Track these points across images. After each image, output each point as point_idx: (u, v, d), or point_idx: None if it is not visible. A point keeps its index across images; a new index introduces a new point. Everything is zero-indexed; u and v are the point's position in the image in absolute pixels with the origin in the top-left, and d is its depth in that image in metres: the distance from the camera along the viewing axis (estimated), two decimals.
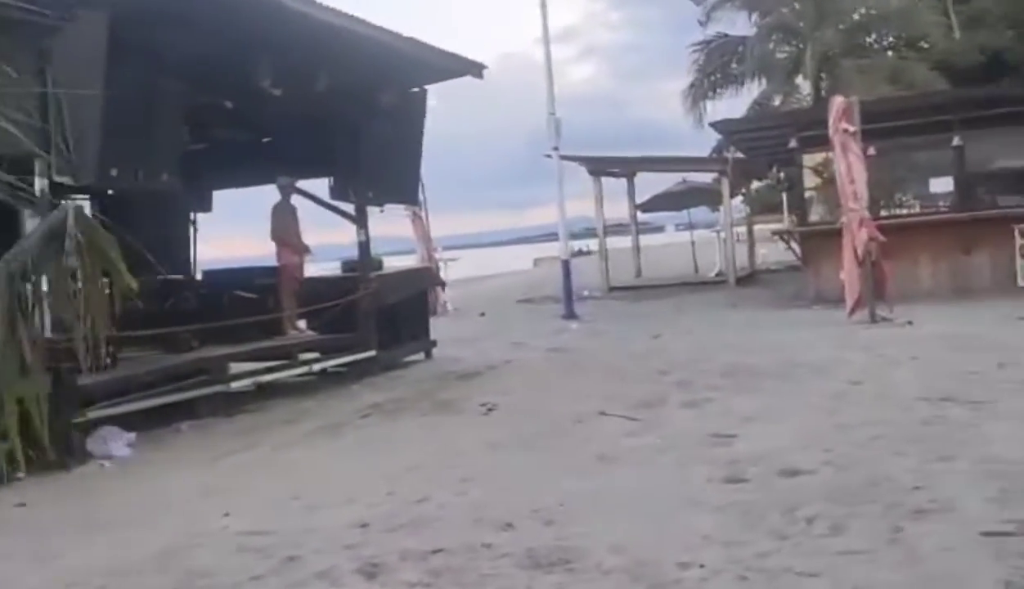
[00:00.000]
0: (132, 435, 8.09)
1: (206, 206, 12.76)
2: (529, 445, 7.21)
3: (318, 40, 9.12)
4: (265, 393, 10.21)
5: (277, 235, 11.08)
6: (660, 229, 66.12)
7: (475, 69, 11.51)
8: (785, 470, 5.83)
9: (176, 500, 6.33)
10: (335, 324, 11.55)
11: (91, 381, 7.82)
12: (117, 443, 7.85)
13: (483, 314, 20.09)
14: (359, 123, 10.64)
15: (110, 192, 12.37)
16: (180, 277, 11.90)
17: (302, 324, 11.69)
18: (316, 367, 10.75)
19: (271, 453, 7.74)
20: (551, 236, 23.98)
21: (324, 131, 10.74)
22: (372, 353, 11.49)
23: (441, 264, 21.56)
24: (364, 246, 11.62)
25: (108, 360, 8.70)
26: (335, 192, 11.00)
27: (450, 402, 9.48)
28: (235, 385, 9.30)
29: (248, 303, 10.85)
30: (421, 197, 20.04)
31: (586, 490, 5.74)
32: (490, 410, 8.84)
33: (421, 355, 13.13)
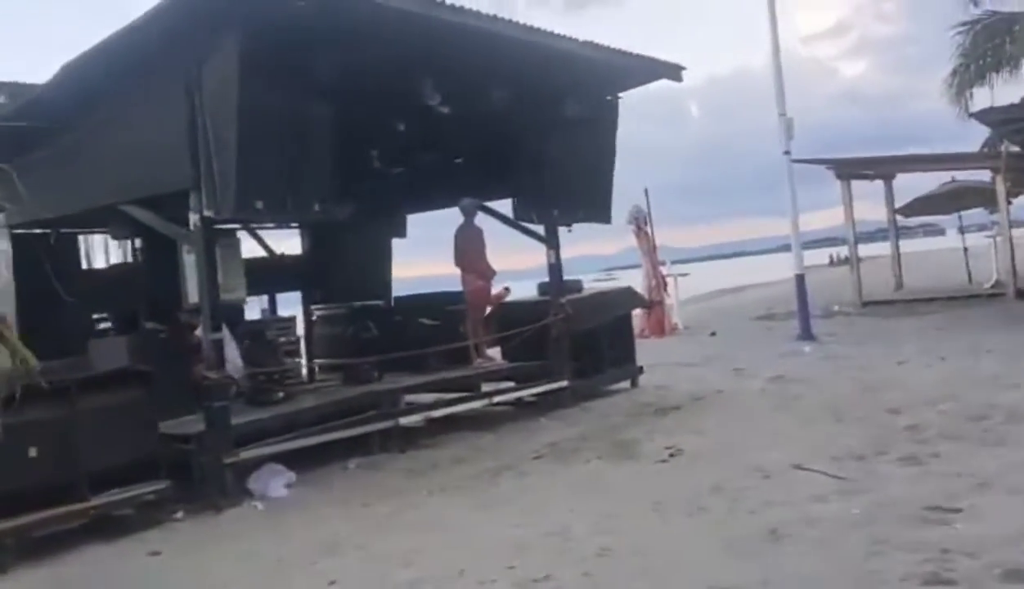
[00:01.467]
0: (292, 475, 7.83)
1: (400, 232, 12.58)
2: (696, 507, 6.11)
3: (489, 54, 8.49)
4: (447, 425, 9.71)
5: (461, 260, 10.60)
6: (941, 232, 60.50)
7: (672, 72, 10.45)
8: (1012, 571, 4.40)
9: (297, 559, 5.89)
10: (527, 352, 10.90)
11: (248, 419, 7.65)
12: (275, 483, 7.60)
13: (714, 334, 18.72)
14: (541, 138, 9.93)
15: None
16: (378, 303, 11.74)
17: (494, 352, 11.14)
18: (499, 398, 10.12)
19: (422, 501, 7.16)
20: (814, 243, 21.99)
21: (505, 148, 10.13)
22: (564, 383, 10.70)
23: (669, 280, 20.38)
24: (555, 268, 10.87)
25: (280, 395, 8.58)
26: (518, 212, 10.35)
27: (631, 444, 8.50)
28: (407, 421, 8.83)
29: (432, 331, 10.44)
30: (644, 210, 19.39)
31: (738, 581, 4.62)
32: (672, 456, 7.79)
33: (627, 383, 12.19)
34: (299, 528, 6.68)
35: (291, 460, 8.11)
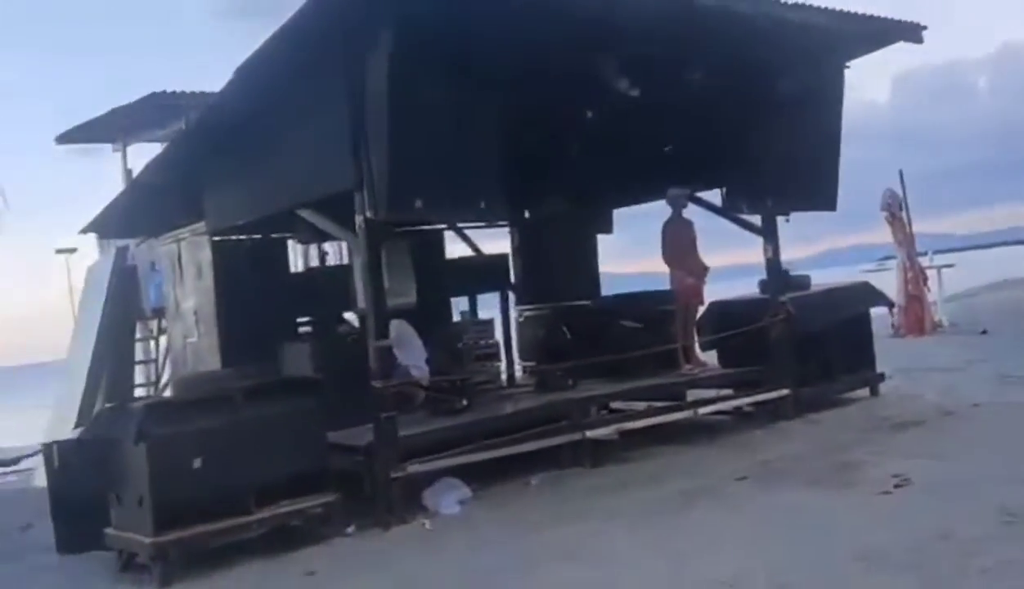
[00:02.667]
0: (467, 491, 7.40)
1: (606, 227, 11.84)
2: (913, 561, 4.96)
3: (681, 26, 7.59)
4: (649, 437, 8.89)
5: (669, 255, 9.70)
6: None
7: (911, 32, 8.99)
8: None
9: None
10: (746, 356, 9.85)
11: (420, 430, 7.29)
12: (448, 499, 7.20)
13: (984, 332, 16.39)
14: (751, 119, 8.84)
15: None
16: (585, 303, 11.10)
17: (708, 356, 10.18)
18: (706, 409, 9.15)
19: (599, 527, 6.44)
20: None
21: (710, 134, 9.13)
22: (785, 392, 9.54)
23: (931, 273, 18.14)
24: (774, 263, 9.71)
25: (464, 403, 8.19)
26: (727, 203, 9.31)
27: (853, 467, 7.30)
28: (598, 433, 8.12)
29: (634, 333, 9.66)
30: (899, 195, 17.31)
31: None
32: (898, 486, 6.54)
33: (865, 391, 10.75)
34: (462, 552, 6.20)
35: (472, 474, 7.69)
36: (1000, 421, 8.66)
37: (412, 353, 8.66)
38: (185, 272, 9.12)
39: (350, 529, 6.86)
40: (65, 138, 13.83)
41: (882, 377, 10.75)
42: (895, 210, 17.39)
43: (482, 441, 7.56)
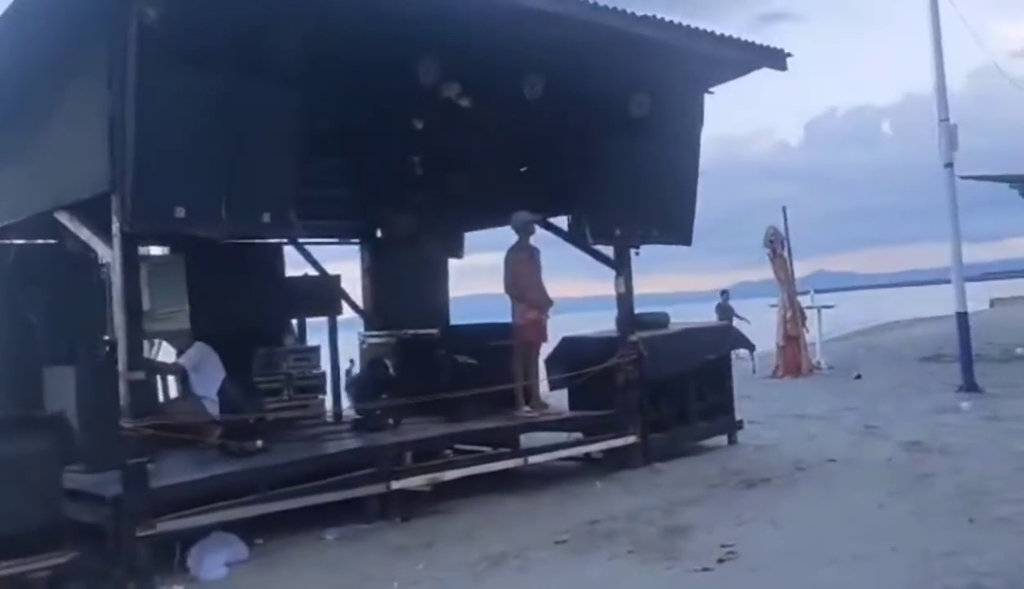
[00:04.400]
0: (243, 549, 6.35)
1: (457, 251, 10.97)
2: None
3: (522, 31, 6.77)
4: (477, 485, 7.97)
5: (511, 285, 8.83)
6: None
7: (775, 59, 8.38)
8: None
9: None
10: (596, 398, 9.06)
11: (186, 479, 6.22)
12: (213, 560, 6.12)
13: (859, 376, 16.08)
14: (596, 140, 8.08)
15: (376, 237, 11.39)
16: (430, 332, 10.14)
17: (553, 398, 9.35)
18: (537, 458, 8.28)
19: None
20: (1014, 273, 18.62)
21: (553, 155, 8.35)
22: (631, 439, 8.77)
23: (811, 312, 17.84)
24: (624, 299, 8.94)
25: (258, 444, 7.15)
26: (572, 232, 8.54)
27: (682, 533, 6.53)
28: (409, 483, 7.17)
29: (469, 370, 8.76)
30: (782, 233, 16.95)
31: None
32: (721, 560, 5.77)
33: (724, 438, 10.08)
34: None
35: (260, 527, 6.66)
36: (851, 479, 8.04)
37: (207, 382, 7.61)
38: None
39: None
40: None
41: (740, 425, 10.12)
42: (777, 247, 17.06)
43: (267, 491, 6.51)
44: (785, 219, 17.16)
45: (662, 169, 8.38)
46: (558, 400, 9.96)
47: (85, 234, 6.10)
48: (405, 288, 10.92)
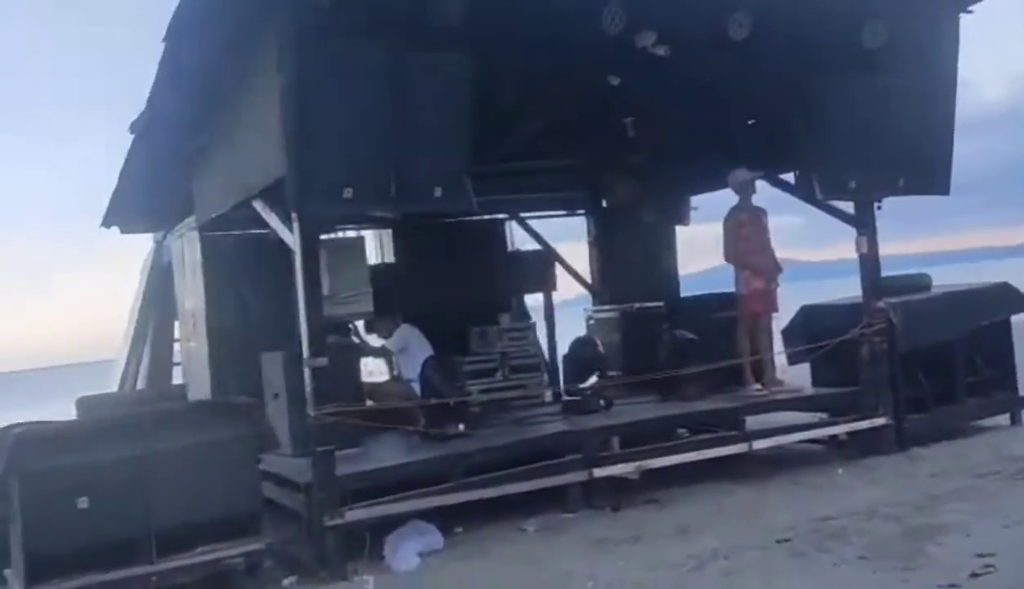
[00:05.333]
0: (438, 539, 6.12)
1: (682, 218, 10.14)
2: None
3: None
4: (701, 471, 7.29)
5: (733, 252, 7.96)
6: None
7: None
8: None
9: None
10: (843, 374, 8.03)
11: (373, 467, 6.07)
12: (407, 549, 5.94)
13: None
14: (821, 82, 7.00)
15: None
16: (656, 305, 9.50)
17: (787, 374, 8.41)
18: (762, 444, 7.38)
19: None
20: None
21: (777, 99, 7.36)
22: (881, 421, 7.66)
23: None
24: (870, 260, 7.78)
25: (459, 428, 6.94)
26: (800, 186, 7.50)
27: (931, 535, 5.53)
28: (614, 471, 6.63)
29: (689, 346, 8.03)
30: None
31: None
32: (975, 575, 4.75)
33: (1005, 417, 8.63)
34: None
35: (458, 515, 6.43)
36: None
37: (416, 364, 7.49)
38: (185, 270, 8.31)
39: (288, 581, 5.79)
40: None
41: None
42: None
43: (462, 478, 6.25)
44: None
45: (908, 107, 7.17)
46: (799, 376, 8.95)
47: (274, 221, 6.09)
48: (631, 259, 10.38)
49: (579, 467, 6.48)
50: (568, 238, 11.74)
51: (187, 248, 8.25)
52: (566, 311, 11.13)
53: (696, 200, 10.10)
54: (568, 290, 11.41)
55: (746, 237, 7.93)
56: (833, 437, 8.12)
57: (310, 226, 5.66)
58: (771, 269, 7.99)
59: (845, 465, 7.55)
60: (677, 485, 7.12)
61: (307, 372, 5.73)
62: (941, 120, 7.36)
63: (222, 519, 5.59)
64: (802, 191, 7.43)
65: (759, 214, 8.06)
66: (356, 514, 5.74)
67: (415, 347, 7.65)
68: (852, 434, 7.87)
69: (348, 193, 5.31)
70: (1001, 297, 8.62)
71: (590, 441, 6.65)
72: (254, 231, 7.81)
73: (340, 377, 6.67)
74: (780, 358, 8.73)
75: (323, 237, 6.22)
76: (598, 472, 6.48)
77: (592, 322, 10.33)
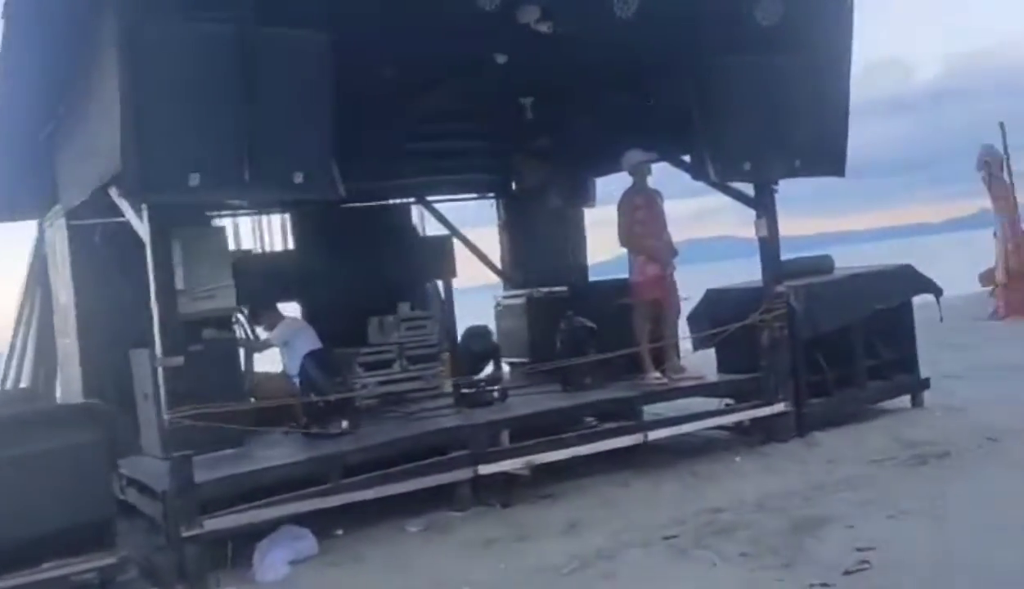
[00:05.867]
0: (311, 544, 5.79)
1: (588, 201, 9.91)
2: None
3: None
4: (597, 462, 7.06)
5: (627, 236, 7.72)
6: None
7: None
8: None
9: None
10: (746, 359, 7.87)
11: (231, 473, 5.70)
12: (276, 557, 5.60)
13: None
14: (713, 61, 6.78)
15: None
16: (560, 290, 9.25)
17: (688, 360, 8.23)
18: (658, 434, 7.17)
19: None
20: None
21: (663, 82, 7.13)
22: (780, 407, 7.53)
23: None
24: (769, 243, 7.63)
25: (343, 425, 6.61)
26: (694, 169, 7.28)
27: (815, 528, 5.37)
28: (500, 468, 6.35)
29: (586, 333, 7.81)
30: (1000, 151, 14.49)
31: None
32: (848, 572, 4.59)
33: (906, 399, 8.56)
34: None
35: (344, 517, 6.11)
36: None
37: (296, 359, 7.14)
38: (57, 261, 7.82)
39: None
40: None
41: (926, 384, 8.53)
42: (994, 170, 14.69)
43: (339, 480, 5.93)
44: (1004, 136, 14.72)
45: (803, 87, 6.97)
46: (707, 363, 8.77)
47: (127, 210, 5.67)
48: (539, 244, 10.15)
49: (464, 464, 6.20)
50: (488, 223, 11.50)
51: (57, 237, 7.75)
52: (483, 298, 10.87)
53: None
54: (485, 277, 11.16)
55: (641, 221, 7.71)
56: (739, 424, 7.97)
57: (159, 216, 5.27)
58: (666, 254, 7.76)
59: (745, 453, 7.38)
60: (574, 478, 6.89)
61: (160, 372, 5.34)
62: (836, 101, 7.19)
63: (71, 532, 5.21)
64: (697, 173, 7.20)
65: (655, 197, 7.83)
66: (219, 522, 5.38)
67: (299, 341, 7.28)
68: (753, 421, 7.71)
69: (195, 180, 4.92)
70: (903, 279, 8.53)
71: (477, 436, 6.36)
72: (121, 219, 7.38)
73: (217, 374, 6.34)
74: (686, 344, 8.58)
75: (182, 227, 5.81)
76: (484, 469, 6.19)
77: (500, 308, 10.09)
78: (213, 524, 5.36)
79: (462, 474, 6.20)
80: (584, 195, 9.78)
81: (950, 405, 8.45)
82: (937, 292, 8.63)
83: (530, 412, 6.83)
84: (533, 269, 10.09)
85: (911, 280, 8.54)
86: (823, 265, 8.57)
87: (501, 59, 6.65)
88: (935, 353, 11.99)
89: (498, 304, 10.15)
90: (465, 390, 7.31)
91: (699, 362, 8.72)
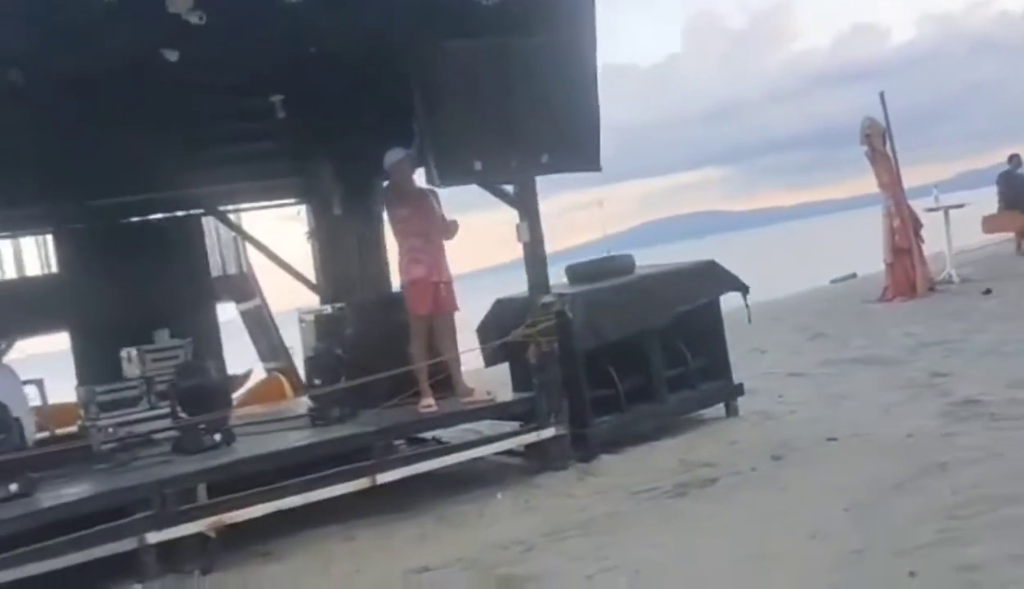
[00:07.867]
0: None
1: (374, 203, 8.98)
2: None
3: None
4: (335, 510, 6.18)
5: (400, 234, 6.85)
6: None
7: None
8: None
9: None
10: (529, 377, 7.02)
11: None
12: None
13: (988, 291, 12.87)
14: (430, 50, 5.88)
15: None
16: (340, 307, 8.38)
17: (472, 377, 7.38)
18: (388, 477, 6.20)
19: None
20: None
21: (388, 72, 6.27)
22: (550, 432, 6.69)
23: (929, 217, 14.50)
24: (533, 248, 6.76)
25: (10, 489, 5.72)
26: (429, 172, 6.41)
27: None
28: (176, 532, 5.43)
29: (333, 360, 6.94)
30: (882, 123, 13.66)
31: None
32: None
33: (721, 408, 7.77)
34: None
35: None
36: (818, 479, 5.64)
37: None
38: None
39: None
40: None
41: (739, 390, 7.73)
42: (876, 143, 13.89)
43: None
44: (884, 107, 13.89)
45: (541, 74, 6.09)
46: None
47: None
48: (343, 253, 9.24)
49: (133, 532, 5.29)
50: None
51: None
52: None
53: None
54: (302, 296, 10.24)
55: (404, 219, 6.85)
56: (531, 446, 7.13)
57: None
58: (434, 256, 6.87)
59: (515, 485, 6.55)
60: (302, 529, 6.03)
61: None
62: (583, 86, 6.30)
63: None
64: (431, 177, 6.32)
65: (424, 196, 6.93)
66: None
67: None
68: (528, 447, 6.88)
69: None
70: (707, 277, 7.70)
71: (154, 496, 5.44)
72: None
73: None
74: (478, 360, 7.78)
75: None
76: (153, 537, 5.29)
77: (304, 325, 9.19)
78: None
79: (122, 546, 5.29)
80: (367, 198, 8.85)
81: (769, 412, 7.70)
82: (743, 289, 7.81)
83: (229, 461, 5.90)
84: (339, 282, 9.22)
85: (716, 278, 7.72)
86: (620, 265, 7.73)
87: (172, 56, 5.71)
88: (800, 345, 11.33)
89: (301, 320, 9.26)
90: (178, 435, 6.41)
91: (499, 380, 7.92)
